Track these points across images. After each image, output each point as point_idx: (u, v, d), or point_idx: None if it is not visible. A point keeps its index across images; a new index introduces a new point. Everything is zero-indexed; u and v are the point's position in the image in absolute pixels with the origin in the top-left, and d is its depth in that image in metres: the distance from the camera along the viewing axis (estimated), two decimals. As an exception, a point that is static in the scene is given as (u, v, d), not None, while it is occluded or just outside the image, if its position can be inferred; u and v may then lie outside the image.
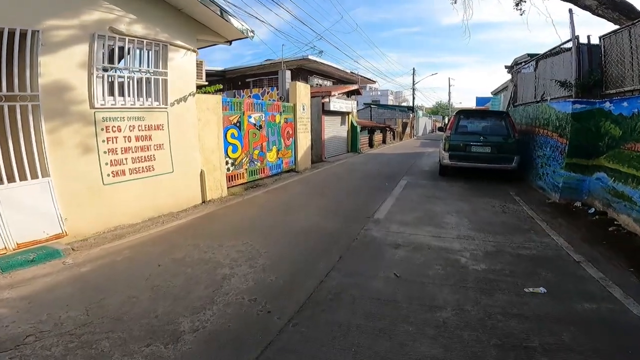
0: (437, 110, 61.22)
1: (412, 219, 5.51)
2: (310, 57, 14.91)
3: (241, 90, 12.25)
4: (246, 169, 8.02)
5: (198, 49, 6.35)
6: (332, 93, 13.05)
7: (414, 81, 33.23)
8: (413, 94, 33.04)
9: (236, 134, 7.59)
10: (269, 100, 10.30)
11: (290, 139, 9.92)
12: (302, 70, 16.89)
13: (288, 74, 10.68)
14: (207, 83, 7.64)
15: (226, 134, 7.25)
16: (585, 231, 4.92)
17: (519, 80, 10.90)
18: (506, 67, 14.00)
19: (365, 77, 21.87)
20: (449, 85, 52.82)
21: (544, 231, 4.95)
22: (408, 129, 29.38)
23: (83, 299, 2.98)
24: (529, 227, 5.12)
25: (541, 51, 8.56)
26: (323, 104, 12.86)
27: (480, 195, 7.18)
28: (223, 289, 3.19)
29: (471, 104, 55.96)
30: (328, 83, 18.52)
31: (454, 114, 9.14)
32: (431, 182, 8.73)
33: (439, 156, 9.61)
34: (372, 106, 33.72)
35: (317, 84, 17.38)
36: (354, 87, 15.90)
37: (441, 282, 3.37)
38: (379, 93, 51.23)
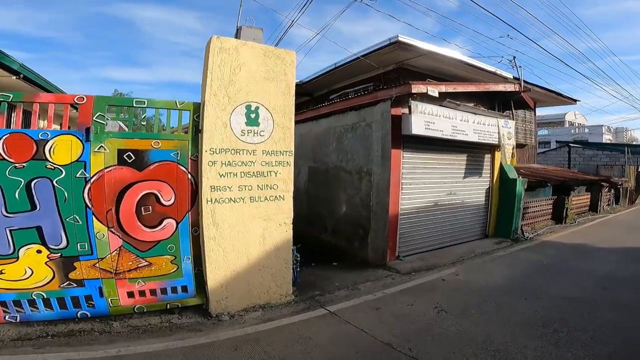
0: None
1: None
2: (401, 37, 7.23)
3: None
4: None
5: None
6: (422, 88, 5.04)
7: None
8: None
9: None
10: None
11: (160, 221, 2.79)
12: (404, 73, 9.15)
13: (231, 43, 3.86)
14: None
15: None
16: None
17: None
18: None
19: (547, 90, 11.75)
20: None
21: None
22: (653, 184, 15.69)
23: None
24: None
25: None
26: (398, 119, 5.04)
27: None
28: None
29: None
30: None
31: None
32: None
33: None
34: (571, 145, 21.09)
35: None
36: (502, 86, 6.86)
37: None
38: (585, 130, 34.86)
